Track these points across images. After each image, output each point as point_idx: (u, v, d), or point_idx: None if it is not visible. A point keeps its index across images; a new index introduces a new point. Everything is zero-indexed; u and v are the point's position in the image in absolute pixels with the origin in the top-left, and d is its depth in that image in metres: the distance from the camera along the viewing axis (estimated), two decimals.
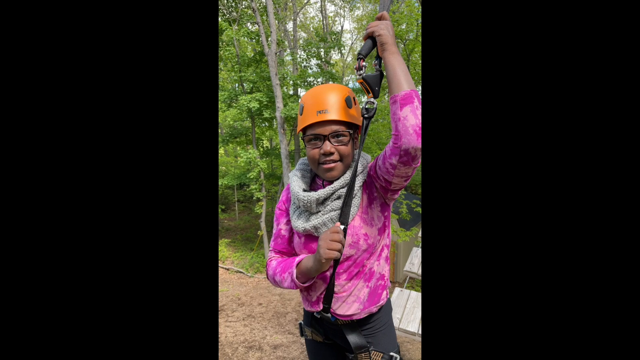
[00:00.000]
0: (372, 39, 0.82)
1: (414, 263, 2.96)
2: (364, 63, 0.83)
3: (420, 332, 2.10)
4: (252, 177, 8.25)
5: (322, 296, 0.94)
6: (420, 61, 10.70)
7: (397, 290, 2.59)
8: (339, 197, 0.89)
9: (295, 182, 0.95)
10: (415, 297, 2.50)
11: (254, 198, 9.37)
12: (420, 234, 3.95)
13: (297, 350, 4.90)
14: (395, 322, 2.23)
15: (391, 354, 0.99)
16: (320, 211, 0.90)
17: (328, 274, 0.93)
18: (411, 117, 0.72)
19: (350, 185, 0.86)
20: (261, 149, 10.19)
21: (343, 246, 0.81)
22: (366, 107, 0.86)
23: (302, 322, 1.12)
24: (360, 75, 0.83)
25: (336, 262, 0.88)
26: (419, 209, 7.64)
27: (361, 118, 0.93)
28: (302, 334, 1.13)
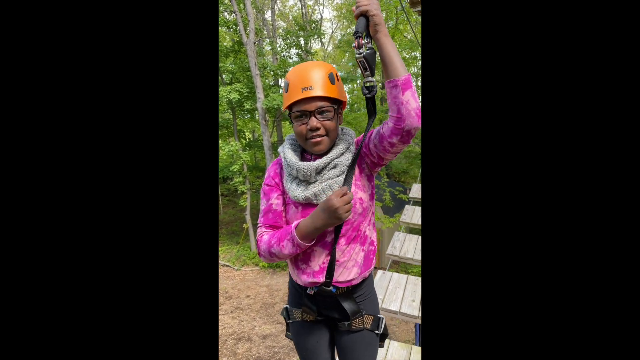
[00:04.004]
0: (365, 17, 0.82)
1: (395, 247, 3.04)
2: (363, 41, 0.82)
3: (400, 310, 2.17)
4: (235, 170, 8.13)
5: (325, 265, 0.97)
6: (399, 50, 10.73)
7: (379, 272, 2.66)
8: (334, 167, 0.94)
9: (290, 154, 0.99)
10: (397, 278, 2.57)
11: (238, 191, 9.26)
12: (402, 219, 4.04)
13: (286, 339, 4.97)
14: (379, 302, 2.29)
15: (378, 316, 1.09)
16: (317, 180, 0.94)
17: (327, 239, 0.96)
18: (412, 101, 0.79)
19: (354, 158, 0.93)
20: (243, 141, 10.04)
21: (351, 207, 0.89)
22: (366, 85, 0.88)
23: (288, 306, 1.12)
24: (360, 54, 0.83)
25: (337, 232, 0.93)
26: (402, 196, 7.78)
27: (344, 94, 0.98)
28: (288, 318, 1.12)
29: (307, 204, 0.96)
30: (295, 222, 0.93)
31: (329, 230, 0.95)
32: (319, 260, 0.97)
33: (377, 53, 0.85)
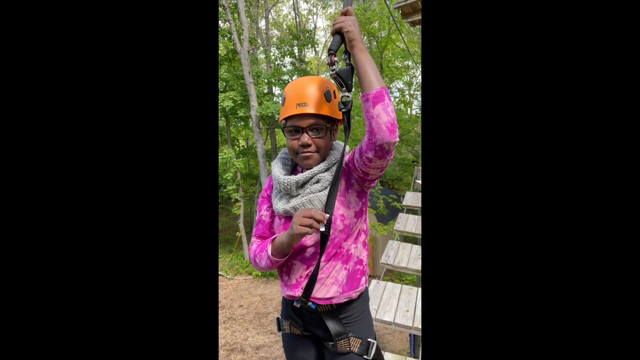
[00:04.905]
0: (340, 35, 0.84)
1: (389, 255, 3.03)
2: (335, 58, 0.84)
3: (395, 320, 2.16)
4: (228, 178, 8.09)
5: (302, 279, 0.96)
6: (392, 59, 10.89)
7: (374, 282, 2.64)
8: (317, 181, 0.94)
9: (276, 168, 1.01)
10: (392, 288, 2.56)
11: (231, 199, 9.19)
12: (395, 227, 4.04)
13: (279, 350, 4.89)
14: (372, 313, 2.28)
15: (369, 340, 1.02)
16: (299, 194, 0.94)
17: (307, 254, 0.96)
18: (383, 115, 0.76)
19: (335, 177, 0.90)
20: (237, 149, 10.01)
21: (316, 228, 0.83)
22: (342, 101, 0.88)
23: (280, 317, 1.12)
24: (333, 70, 0.85)
25: (322, 250, 0.90)
26: (396, 204, 7.81)
27: (340, 112, 0.98)
28: (279, 329, 1.13)
29: (288, 217, 0.97)
30: (274, 237, 0.95)
31: (308, 245, 0.95)
32: (297, 274, 0.97)
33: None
